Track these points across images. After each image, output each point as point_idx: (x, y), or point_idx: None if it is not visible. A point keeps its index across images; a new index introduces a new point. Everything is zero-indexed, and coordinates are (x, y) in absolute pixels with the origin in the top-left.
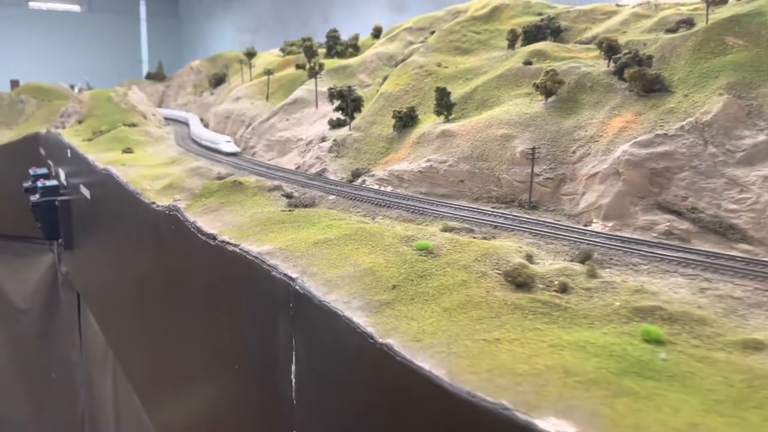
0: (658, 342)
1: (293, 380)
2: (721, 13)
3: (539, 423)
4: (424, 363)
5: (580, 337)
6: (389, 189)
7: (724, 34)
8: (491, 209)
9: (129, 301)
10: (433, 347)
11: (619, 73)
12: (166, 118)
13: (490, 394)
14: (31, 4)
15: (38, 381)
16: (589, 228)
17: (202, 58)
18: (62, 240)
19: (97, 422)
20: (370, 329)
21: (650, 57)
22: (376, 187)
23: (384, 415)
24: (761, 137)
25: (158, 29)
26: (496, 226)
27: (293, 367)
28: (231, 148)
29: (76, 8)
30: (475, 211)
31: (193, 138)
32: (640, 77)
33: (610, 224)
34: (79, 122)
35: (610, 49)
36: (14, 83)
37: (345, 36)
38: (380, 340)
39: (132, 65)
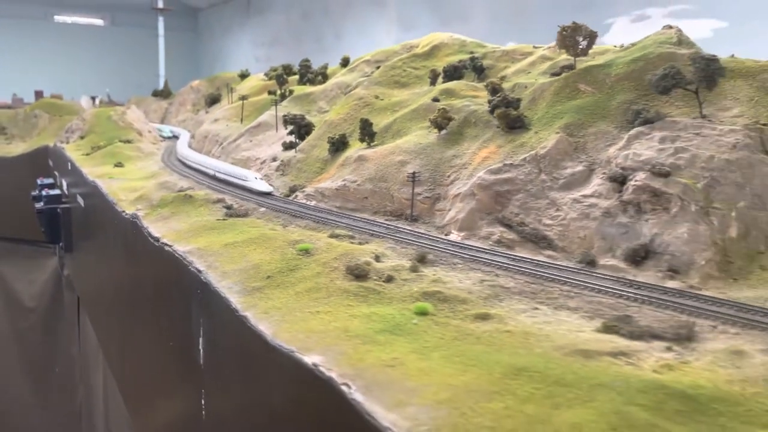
0: (423, 314)
1: (201, 350)
2: (592, 61)
3: (305, 358)
4: (263, 326)
5: (374, 311)
6: (313, 203)
7: (579, 81)
8: (383, 221)
9: (110, 297)
10: (273, 317)
11: (492, 112)
12: (163, 137)
13: (289, 343)
14: (56, 17)
15: (43, 374)
16: (447, 237)
17: (219, 72)
18: (63, 243)
19: (91, 414)
20: (237, 306)
21: (519, 99)
22: (304, 201)
23: (248, 366)
24: (579, 168)
25: (178, 43)
26: (372, 234)
27: (201, 339)
28: (264, 186)
29: (99, 22)
30: (367, 222)
31: (185, 161)
32: (505, 116)
33: (463, 234)
34: (82, 138)
35: (494, 90)
36: (38, 94)
37: (353, 54)
38: (241, 313)
39: (150, 79)
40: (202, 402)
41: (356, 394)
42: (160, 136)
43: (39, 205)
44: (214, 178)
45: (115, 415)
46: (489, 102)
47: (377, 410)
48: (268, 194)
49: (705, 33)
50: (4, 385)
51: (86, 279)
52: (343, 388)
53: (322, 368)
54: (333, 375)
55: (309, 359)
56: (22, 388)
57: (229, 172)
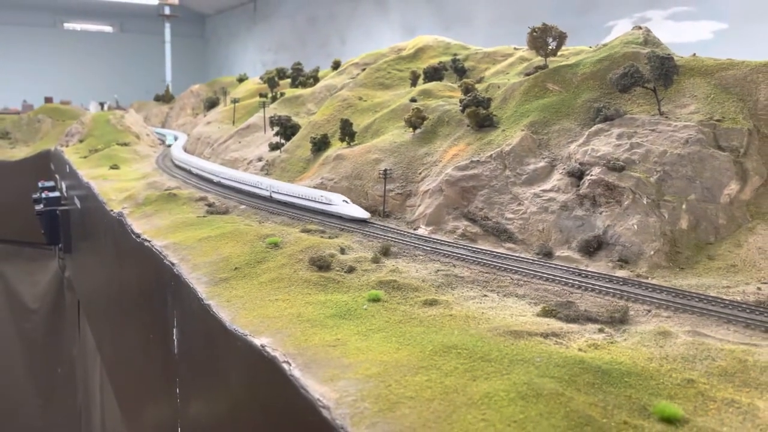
0: (376, 301)
1: (175, 340)
2: (564, 62)
3: (255, 339)
4: (223, 314)
5: (329, 298)
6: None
7: (547, 81)
8: None
9: (103, 297)
10: (235, 305)
11: (463, 111)
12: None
13: (244, 327)
14: (65, 25)
15: (46, 374)
16: (415, 231)
17: (225, 76)
18: (62, 245)
19: (90, 413)
20: (202, 295)
21: (489, 98)
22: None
23: (212, 351)
24: (541, 163)
25: (186, 49)
26: (342, 229)
27: (175, 330)
28: (358, 211)
29: (108, 29)
30: (340, 218)
31: (217, 179)
32: (475, 115)
33: (430, 228)
34: (81, 141)
35: (466, 90)
36: (48, 100)
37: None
38: (205, 301)
39: (158, 84)
40: (177, 390)
41: (295, 371)
42: (159, 140)
43: (39, 207)
44: (270, 199)
45: (110, 412)
46: (461, 101)
47: (311, 384)
48: (363, 221)
49: (705, 35)
50: (8, 386)
51: (83, 279)
52: (284, 365)
53: (268, 348)
54: (277, 354)
55: (258, 341)
56: (25, 389)
57: (299, 193)
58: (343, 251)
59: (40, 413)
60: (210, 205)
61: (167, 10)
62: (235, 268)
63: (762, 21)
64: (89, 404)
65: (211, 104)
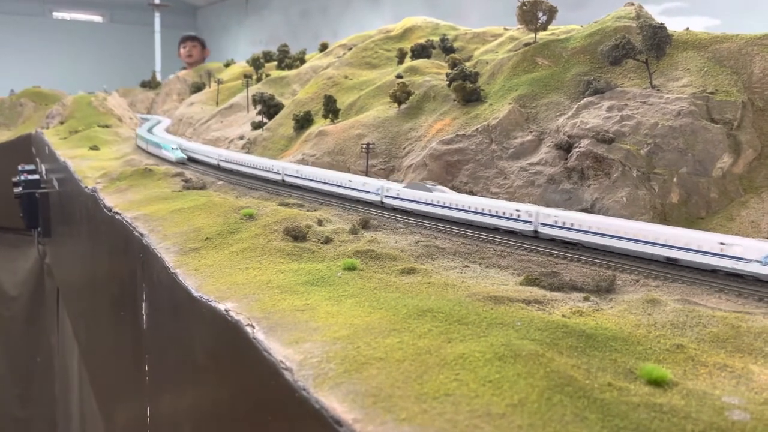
0: (351, 269)
1: (144, 314)
2: (553, 37)
3: (220, 305)
4: (188, 282)
5: (303, 266)
6: None
7: (537, 55)
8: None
9: (80, 280)
10: (202, 273)
11: (450, 85)
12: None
13: (209, 294)
14: (54, 14)
15: (25, 363)
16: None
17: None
18: (41, 228)
19: (67, 401)
20: (169, 264)
21: (476, 73)
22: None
23: (178, 322)
24: (529, 137)
25: (177, 40)
26: (322, 203)
27: (144, 304)
28: None
29: (98, 19)
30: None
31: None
32: (461, 89)
33: None
34: (61, 123)
35: (454, 65)
36: None
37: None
38: (172, 270)
39: (148, 75)
40: (146, 367)
41: (258, 334)
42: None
43: (17, 190)
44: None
45: (87, 401)
46: (447, 75)
47: (275, 347)
48: None
49: (697, 30)
50: None
51: (62, 265)
52: (248, 329)
53: (232, 313)
54: (241, 318)
55: (222, 306)
56: (4, 378)
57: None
58: (320, 223)
59: (18, 402)
60: (186, 180)
61: (157, 0)
62: (207, 239)
63: (754, 17)
64: (67, 393)
65: (197, 89)
